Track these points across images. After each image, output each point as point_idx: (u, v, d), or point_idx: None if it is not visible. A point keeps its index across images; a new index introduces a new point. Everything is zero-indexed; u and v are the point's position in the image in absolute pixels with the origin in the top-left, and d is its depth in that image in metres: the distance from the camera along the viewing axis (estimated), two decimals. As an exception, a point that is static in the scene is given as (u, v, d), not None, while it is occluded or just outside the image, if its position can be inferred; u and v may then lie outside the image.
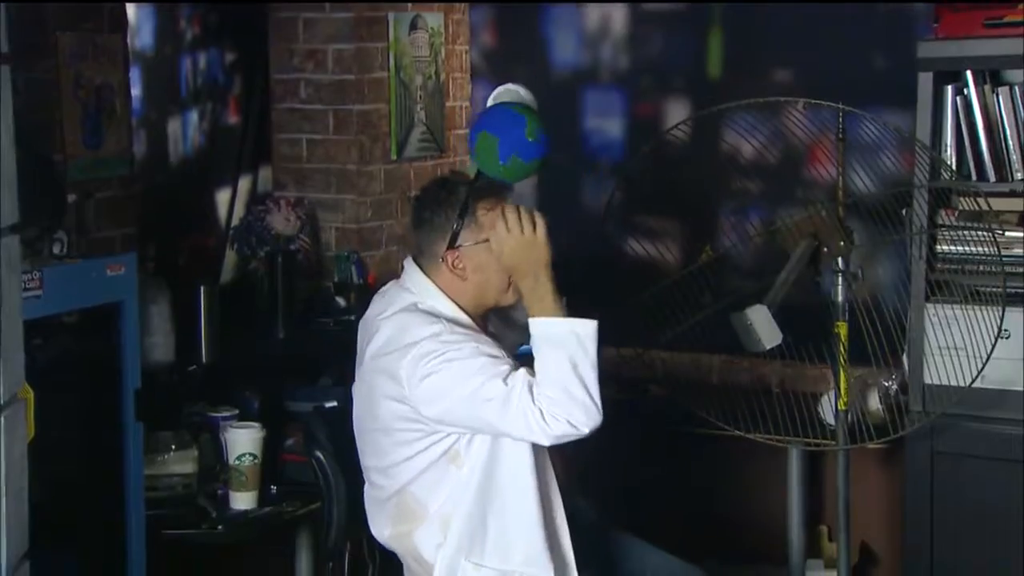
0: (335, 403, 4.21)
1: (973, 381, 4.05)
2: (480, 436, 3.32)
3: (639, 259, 4.55)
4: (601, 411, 3.22)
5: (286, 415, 4.27)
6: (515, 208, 3.29)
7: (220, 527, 3.86)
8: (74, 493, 3.46)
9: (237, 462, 3.92)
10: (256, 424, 4.02)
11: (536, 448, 3.32)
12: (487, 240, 3.31)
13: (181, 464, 3.99)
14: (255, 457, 3.94)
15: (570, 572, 3.42)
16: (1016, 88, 4.23)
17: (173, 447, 3.98)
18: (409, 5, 5.17)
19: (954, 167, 4.29)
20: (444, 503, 3.34)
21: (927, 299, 4.27)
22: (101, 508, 3.59)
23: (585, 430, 3.19)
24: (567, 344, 3.18)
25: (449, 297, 3.34)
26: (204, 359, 4.38)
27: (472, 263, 3.34)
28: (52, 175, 3.87)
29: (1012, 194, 4.25)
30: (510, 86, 3.73)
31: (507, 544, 3.35)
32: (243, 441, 3.94)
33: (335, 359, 4.50)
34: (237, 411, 4.16)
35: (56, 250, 3.45)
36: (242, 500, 3.93)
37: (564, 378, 3.16)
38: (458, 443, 3.30)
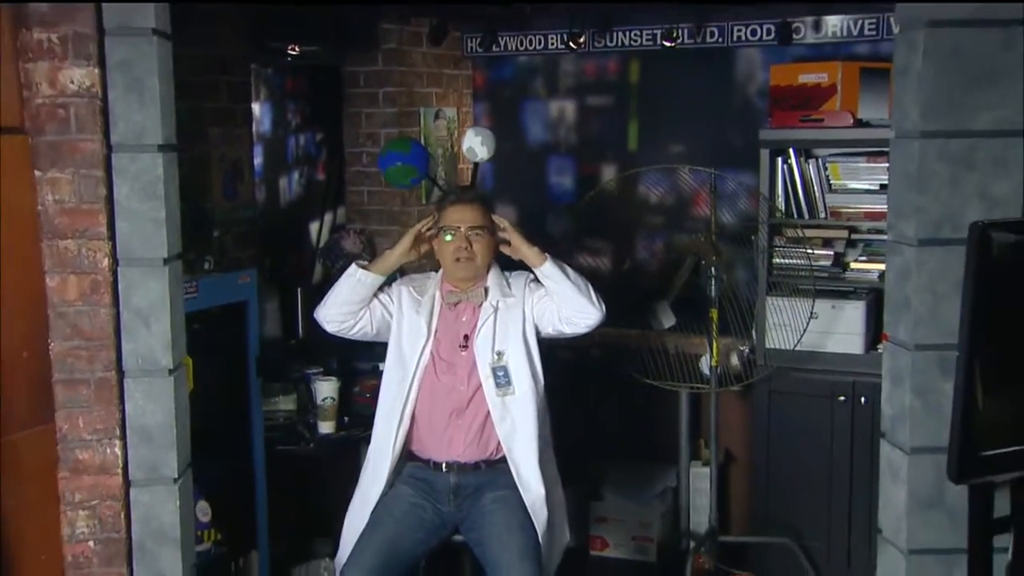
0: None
1: (795, 345, 4.13)
2: (389, 349, 3.19)
3: (584, 266, 4.48)
4: (325, 319, 3.15)
5: (354, 371, 4.22)
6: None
7: (311, 445, 3.87)
8: (219, 423, 3.47)
9: (322, 402, 3.93)
10: (334, 377, 4.00)
11: (419, 373, 3.13)
12: (439, 230, 3.17)
13: (286, 404, 4.01)
14: (333, 399, 3.94)
15: (384, 464, 3.12)
16: (820, 160, 4.25)
17: (281, 393, 4.00)
18: (434, 102, 5.11)
19: (783, 210, 4.30)
20: None
21: (767, 293, 4.26)
22: (236, 432, 3.61)
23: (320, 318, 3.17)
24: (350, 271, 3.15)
25: (441, 267, 3.24)
26: (300, 335, 4.35)
27: (436, 245, 3.22)
28: (204, 218, 3.92)
29: (818, 227, 4.26)
30: (477, 128, 3.69)
31: (376, 430, 3.19)
32: (326, 389, 3.95)
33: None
34: (322, 369, 4.12)
35: (206, 267, 3.46)
36: (325, 427, 3.94)
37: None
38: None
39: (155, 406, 2.65)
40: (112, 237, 2.61)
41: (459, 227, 3.14)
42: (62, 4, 2.51)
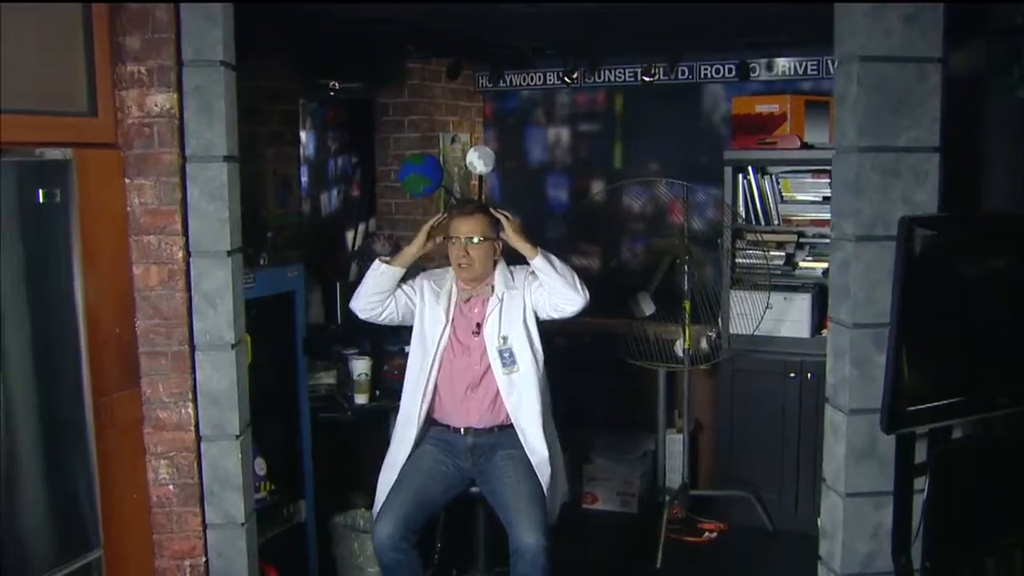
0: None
1: (754, 331, 4.16)
2: (413, 332, 3.15)
3: (576, 265, 4.49)
4: (357, 308, 3.11)
5: (384, 352, 4.16)
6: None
7: (349, 413, 3.86)
8: (272, 394, 3.44)
9: (357, 378, 3.90)
10: (367, 357, 3.97)
11: (440, 353, 3.10)
12: (447, 238, 3.14)
13: (328, 378, 3.96)
14: (367, 375, 3.90)
15: (411, 429, 3.11)
16: (774, 176, 4.28)
17: (323, 369, 3.96)
18: (451, 129, 5.09)
19: (744, 217, 4.32)
20: None
21: (731, 287, 4.29)
22: (286, 401, 3.59)
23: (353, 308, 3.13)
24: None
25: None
26: (339, 321, 4.19)
27: (449, 249, 3.18)
28: (260, 222, 3.89)
29: (773, 232, 4.29)
30: (478, 147, 3.74)
31: (404, 401, 3.19)
32: (360, 366, 3.91)
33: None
34: (357, 350, 4.06)
35: (261, 262, 3.45)
36: (360, 398, 3.90)
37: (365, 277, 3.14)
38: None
39: (220, 375, 2.68)
40: (185, 233, 2.63)
41: (460, 237, 3.13)
42: (152, 40, 2.56)
